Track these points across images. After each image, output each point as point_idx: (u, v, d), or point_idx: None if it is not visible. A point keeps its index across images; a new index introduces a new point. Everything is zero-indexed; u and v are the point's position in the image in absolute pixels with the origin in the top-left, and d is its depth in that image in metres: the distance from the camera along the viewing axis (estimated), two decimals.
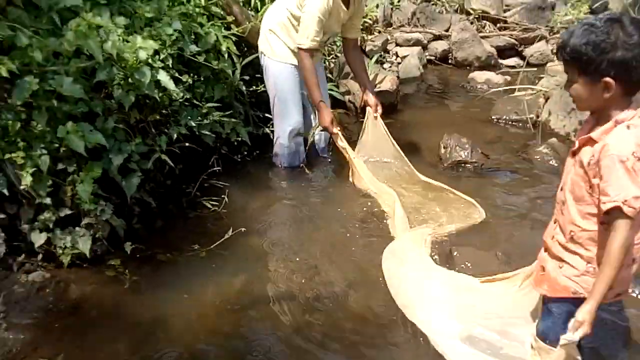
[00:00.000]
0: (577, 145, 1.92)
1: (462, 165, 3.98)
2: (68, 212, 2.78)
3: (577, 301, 1.92)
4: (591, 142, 1.85)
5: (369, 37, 6.05)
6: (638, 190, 1.71)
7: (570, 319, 1.87)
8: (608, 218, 1.80)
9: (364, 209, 3.49)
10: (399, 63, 5.97)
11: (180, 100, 3.35)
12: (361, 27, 3.96)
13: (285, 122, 3.76)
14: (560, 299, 1.98)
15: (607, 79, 1.75)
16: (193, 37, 3.46)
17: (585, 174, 1.87)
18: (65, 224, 2.78)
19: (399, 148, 3.73)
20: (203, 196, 3.48)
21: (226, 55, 3.61)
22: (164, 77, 3.08)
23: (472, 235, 3.20)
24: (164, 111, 3.32)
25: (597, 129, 1.83)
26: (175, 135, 3.28)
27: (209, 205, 3.41)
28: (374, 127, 3.79)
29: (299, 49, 3.47)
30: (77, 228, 2.79)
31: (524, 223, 3.37)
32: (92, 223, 2.83)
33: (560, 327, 1.94)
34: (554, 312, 2.00)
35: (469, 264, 2.89)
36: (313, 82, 3.51)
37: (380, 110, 3.78)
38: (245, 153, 3.99)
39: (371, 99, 3.79)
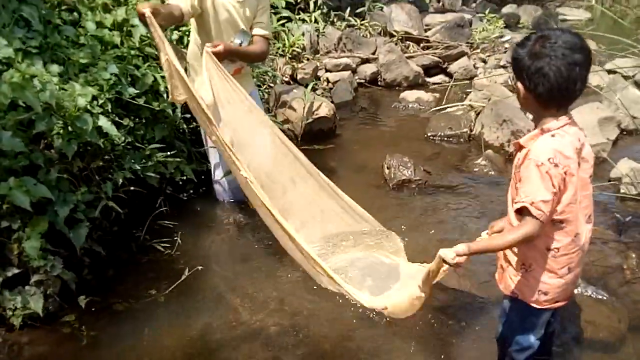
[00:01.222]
0: (515, 149, 2.06)
1: (407, 184, 4.06)
2: (15, 270, 2.66)
3: (517, 300, 2.11)
4: (520, 147, 1.99)
5: (299, 65, 6.12)
6: (547, 195, 1.84)
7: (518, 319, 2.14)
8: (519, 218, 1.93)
9: None
10: (331, 88, 6.07)
11: (122, 144, 3.28)
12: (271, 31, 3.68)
13: (217, 159, 3.68)
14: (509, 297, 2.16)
15: (519, 83, 1.95)
16: (129, 79, 3.41)
17: (515, 176, 2.01)
18: (14, 284, 2.66)
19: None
20: (153, 239, 3.40)
21: (165, 95, 3.57)
22: (105, 122, 3.02)
23: (431, 250, 3.28)
24: (106, 157, 3.24)
25: (527, 136, 1.99)
26: (120, 181, 3.20)
27: (161, 248, 3.34)
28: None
29: None
30: (26, 287, 2.68)
31: (473, 234, 3.47)
32: (42, 280, 2.73)
33: (513, 326, 2.19)
34: (505, 309, 2.20)
35: None
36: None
37: (220, 47, 3.19)
38: (191, 191, 3.94)
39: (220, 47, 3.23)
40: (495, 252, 2.12)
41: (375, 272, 3.03)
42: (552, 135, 1.90)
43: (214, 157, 3.71)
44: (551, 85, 1.86)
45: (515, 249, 2.06)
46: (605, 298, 2.80)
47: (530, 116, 2.21)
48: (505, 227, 2.15)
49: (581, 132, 1.96)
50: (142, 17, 2.96)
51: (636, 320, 2.76)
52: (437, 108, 5.23)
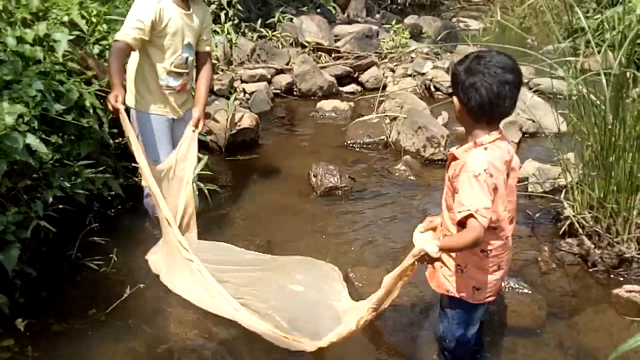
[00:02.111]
0: (448, 159, 2.24)
1: (334, 190, 4.22)
2: None
3: (453, 299, 2.29)
4: (454, 158, 2.18)
5: (215, 76, 6.14)
6: (488, 202, 2.01)
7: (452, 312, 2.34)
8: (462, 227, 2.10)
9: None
10: (248, 99, 6.13)
11: (51, 162, 3.21)
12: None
13: None
14: (444, 295, 2.34)
15: (454, 97, 2.13)
16: (54, 95, 3.34)
17: (451, 185, 2.19)
18: None
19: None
20: (85, 257, 3.33)
21: (91, 111, 3.51)
22: (33, 140, 2.94)
23: (361, 254, 3.47)
24: (34, 175, 3.15)
25: (461, 148, 2.17)
26: (50, 199, 3.13)
27: (94, 266, 3.27)
28: (188, 146, 3.47)
29: (114, 41, 3.22)
30: None
31: (400, 236, 3.69)
32: None
33: (448, 320, 2.37)
34: (448, 314, 2.37)
35: (365, 283, 3.13)
36: (113, 68, 3.16)
37: (201, 125, 3.50)
38: (119, 206, 3.88)
39: (195, 111, 3.51)
40: (454, 252, 2.22)
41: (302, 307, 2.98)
42: (485, 149, 2.08)
43: None
44: (482, 100, 2.03)
45: (450, 273, 2.26)
46: (525, 289, 3.08)
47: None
48: (443, 229, 2.33)
49: (510, 146, 2.17)
50: (115, 114, 3.12)
51: (553, 306, 3.05)
52: (363, 119, 5.38)
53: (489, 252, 2.20)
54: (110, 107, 3.13)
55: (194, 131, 3.48)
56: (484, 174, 2.02)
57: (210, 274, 2.99)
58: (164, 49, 3.33)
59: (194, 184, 3.52)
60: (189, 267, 3.05)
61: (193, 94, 3.76)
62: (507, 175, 2.15)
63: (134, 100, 3.46)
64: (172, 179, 3.43)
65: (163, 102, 3.46)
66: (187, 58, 3.43)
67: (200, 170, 3.60)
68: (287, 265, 3.28)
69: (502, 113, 2.10)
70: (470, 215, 2.00)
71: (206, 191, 3.67)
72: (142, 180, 3.46)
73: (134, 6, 3.22)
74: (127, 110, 3.37)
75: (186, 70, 3.49)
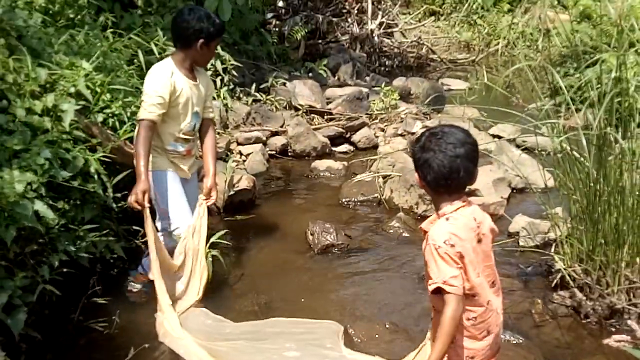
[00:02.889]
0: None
1: (330, 248, 4.32)
2: None
3: None
4: (425, 232, 2.25)
5: None
6: (454, 271, 2.07)
7: None
8: (435, 301, 2.18)
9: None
10: (244, 161, 6.29)
11: (57, 226, 3.31)
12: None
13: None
14: None
15: (415, 173, 2.23)
16: (60, 162, 3.47)
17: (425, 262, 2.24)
18: None
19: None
20: (89, 319, 3.39)
21: (96, 176, 3.64)
22: (41, 206, 3.06)
23: (360, 310, 3.55)
24: (40, 240, 3.25)
25: (427, 220, 2.28)
26: (56, 263, 3.21)
27: (99, 328, 3.33)
28: (201, 217, 3.62)
29: (138, 121, 3.40)
30: None
31: (397, 291, 3.78)
32: None
33: None
34: None
35: (365, 339, 3.20)
36: (140, 151, 3.33)
37: (214, 196, 3.67)
38: (121, 266, 3.96)
39: (207, 182, 3.67)
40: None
41: None
42: (447, 219, 2.14)
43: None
44: (436, 175, 2.13)
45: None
46: (521, 341, 3.16)
47: None
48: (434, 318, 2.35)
49: (478, 211, 2.24)
50: (140, 209, 3.30)
51: (548, 357, 3.13)
52: (357, 178, 5.52)
53: (474, 319, 2.22)
54: (134, 204, 3.28)
55: (205, 200, 3.64)
56: (443, 246, 2.07)
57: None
58: (175, 117, 3.53)
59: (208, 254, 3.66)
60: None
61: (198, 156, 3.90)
62: (480, 240, 2.21)
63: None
64: (189, 251, 3.56)
65: (172, 165, 3.63)
66: (195, 125, 3.65)
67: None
68: (283, 330, 3.28)
69: (460, 184, 2.18)
70: (439, 288, 2.07)
71: (221, 258, 3.78)
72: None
73: (150, 81, 3.42)
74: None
75: (193, 137, 3.69)
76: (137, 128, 3.46)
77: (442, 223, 2.14)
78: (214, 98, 6.60)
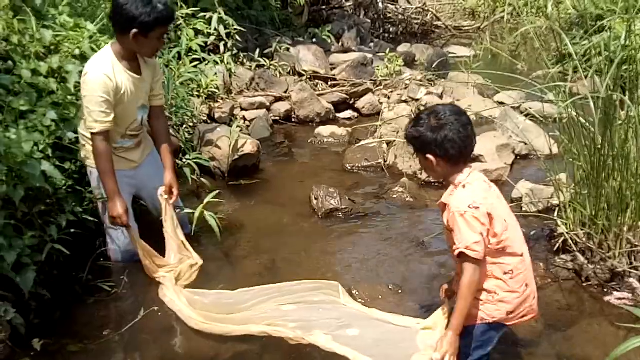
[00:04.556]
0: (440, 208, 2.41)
1: (334, 212, 4.35)
2: None
3: (484, 325, 2.38)
4: (443, 205, 2.36)
5: (215, 105, 6.31)
6: (476, 237, 2.20)
7: (482, 337, 2.38)
8: (461, 261, 2.26)
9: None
10: (248, 126, 6.29)
11: (64, 188, 3.34)
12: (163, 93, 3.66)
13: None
14: (474, 325, 2.40)
15: (428, 155, 2.33)
16: (65, 124, 3.48)
17: (448, 230, 2.35)
18: None
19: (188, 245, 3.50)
20: (97, 279, 3.44)
21: None
22: (48, 167, 3.08)
23: (363, 272, 3.59)
24: (48, 201, 3.28)
25: (445, 194, 2.37)
26: (64, 224, 3.25)
27: (107, 288, 3.38)
28: (168, 214, 3.46)
29: (91, 134, 3.15)
30: None
31: (400, 255, 3.82)
32: None
33: (476, 343, 2.41)
34: (472, 333, 2.41)
35: (368, 299, 3.25)
36: (106, 169, 3.18)
37: (175, 194, 3.48)
38: None
39: (166, 179, 3.47)
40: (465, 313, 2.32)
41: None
42: (464, 186, 2.30)
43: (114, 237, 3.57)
44: (459, 146, 2.28)
45: (479, 304, 2.35)
46: None
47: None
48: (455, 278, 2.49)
49: (482, 175, 2.41)
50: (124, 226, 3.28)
51: (549, 319, 3.16)
52: (361, 143, 5.52)
53: (511, 272, 2.33)
54: (117, 221, 3.25)
55: (167, 198, 3.44)
56: (469, 210, 2.22)
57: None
58: (120, 116, 3.26)
59: (210, 216, 3.69)
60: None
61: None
62: (498, 197, 2.37)
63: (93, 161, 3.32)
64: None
65: (119, 161, 3.37)
66: (142, 118, 3.45)
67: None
68: (281, 291, 3.28)
69: (472, 150, 2.37)
70: (463, 253, 2.20)
71: (216, 223, 3.74)
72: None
73: (90, 83, 3.10)
74: (85, 167, 3.47)
75: (141, 131, 3.53)
76: (92, 142, 3.17)
77: (461, 191, 2.29)
78: (217, 63, 6.63)
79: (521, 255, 2.35)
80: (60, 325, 3.08)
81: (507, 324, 2.42)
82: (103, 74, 3.09)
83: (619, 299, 3.22)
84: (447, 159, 2.31)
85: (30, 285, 2.94)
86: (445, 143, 2.27)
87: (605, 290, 3.38)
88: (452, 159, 2.30)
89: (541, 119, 4.25)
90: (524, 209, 4.32)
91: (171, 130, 4.51)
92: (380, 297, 3.29)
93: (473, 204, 2.23)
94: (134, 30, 3.04)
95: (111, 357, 2.90)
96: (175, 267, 3.41)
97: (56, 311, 3.17)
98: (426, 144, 2.32)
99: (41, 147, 3.16)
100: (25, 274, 2.94)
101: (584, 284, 3.44)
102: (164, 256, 3.41)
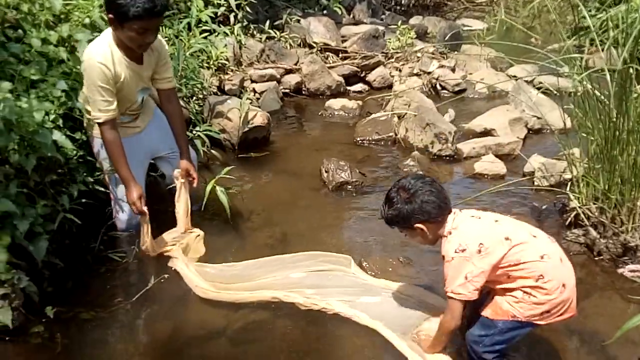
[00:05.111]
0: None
1: (345, 185, 4.34)
2: None
3: (514, 322, 2.42)
4: (442, 257, 2.47)
5: (225, 77, 6.27)
6: (460, 279, 2.35)
7: (507, 333, 2.43)
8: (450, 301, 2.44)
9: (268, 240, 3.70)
10: (258, 98, 6.26)
11: (75, 157, 3.35)
12: (174, 76, 3.53)
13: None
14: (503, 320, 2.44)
15: (416, 225, 2.47)
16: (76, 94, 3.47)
17: None
18: None
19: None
20: (108, 249, 3.46)
21: None
22: (59, 137, 3.09)
23: (374, 245, 3.59)
24: (59, 170, 3.29)
25: (441, 247, 2.48)
26: (76, 193, 3.26)
27: (117, 258, 3.40)
28: (181, 197, 3.50)
29: (98, 124, 3.13)
30: None
31: None
32: (8, 293, 2.75)
33: (498, 337, 2.46)
34: (499, 326, 2.45)
35: (378, 271, 3.26)
36: (118, 156, 3.17)
37: (194, 177, 3.48)
38: None
39: (182, 162, 3.46)
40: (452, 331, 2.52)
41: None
42: (450, 233, 2.44)
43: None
44: (437, 203, 2.43)
45: (516, 304, 2.40)
46: None
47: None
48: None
49: (468, 211, 2.56)
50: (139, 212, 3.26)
51: None
52: (373, 116, 5.47)
53: (541, 277, 2.35)
54: (134, 209, 3.26)
55: (182, 182, 3.44)
56: (455, 256, 2.37)
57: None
58: (119, 100, 3.18)
59: (220, 191, 3.69)
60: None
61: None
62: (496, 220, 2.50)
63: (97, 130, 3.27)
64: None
65: (122, 130, 3.31)
66: (143, 98, 3.40)
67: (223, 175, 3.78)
68: (291, 262, 3.35)
69: (449, 201, 2.51)
70: (450, 297, 2.40)
71: (226, 198, 3.73)
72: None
73: (88, 77, 3.04)
74: (90, 137, 3.44)
75: (140, 110, 3.49)
76: (101, 132, 3.15)
77: (448, 240, 2.44)
78: (226, 34, 6.57)
79: (541, 258, 2.36)
80: (72, 294, 3.11)
81: (541, 323, 2.43)
82: (101, 64, 2.99)
83: (632, 271, 3.21)
84: (432, 220, 2.45)
85: (42, 254, 2.96)
86: (424, 207, 2.42)
87: (618, 264, 3.36)
88: (436, 217, 2.44)
89: (555, 92, 4.19)
90: (536, 183, 4.29)
91: (181, 102, 4.50)
92: (390, 269, 3.29)
93: (459, 247, 2.36)
94: (110, 15, 2.91)
95: (123, 324, 2.93)
96: (181, 239, 3.46)
97: (68, 280, 3.19)
98: (408, 216, 2.46)
99: (52, 116, 3.17)
100: (37, 242, 2.96)
101: (596, 259, 3.43)
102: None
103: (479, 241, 2.35)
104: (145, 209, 3.26)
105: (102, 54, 3.01)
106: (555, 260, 2.39)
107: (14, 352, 2.68)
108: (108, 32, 3.08)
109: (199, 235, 3.52)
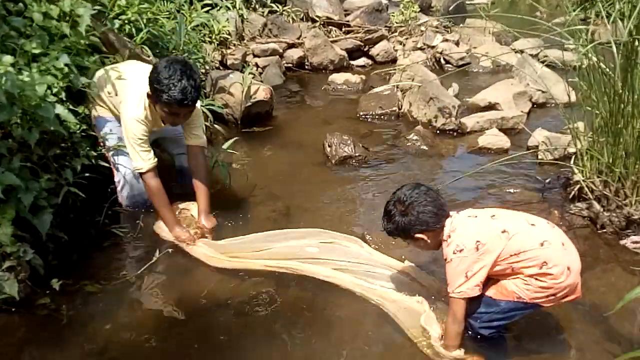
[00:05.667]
0: None
1: (348, 160, 4.33)
2: None
3: (519, 303, 2.44)
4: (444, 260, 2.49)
5: (228, 51, 6.24)
6: (461, 279, 2.38)
7: (508, 313, 2.47)
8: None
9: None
10: (261, 73, 6.23)
11: (79, 132, 3.34)
12: (204, 133, 3.55)
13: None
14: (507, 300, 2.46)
15: (417, 235, 2.51)
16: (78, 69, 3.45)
17: None
18: None
19: None
20: (112, 224, 3.47)
21: None
22: (62, 110, 3.08)
23: (377, 220, 3.57)
24: (62, 144, 3.28)
25: (442, 251, 2.52)
26: (79, 167, 3.26)
27: (121, 233, 3.42)
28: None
29: (140, 174, 3.28)
30: None
31: None
32: (14, 266, 2.77)
33: (498, 315, 2.49)
34: (501, 306, 2.47)
35: (382, 245, 3.27)
36: (161, 204, 3.31)
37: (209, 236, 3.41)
38: None
39: (200, 221, 3.44)
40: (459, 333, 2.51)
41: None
42: (449, 237, 2.46)
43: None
44: (434, 212, 2.46)
45: (524, 285, 2.41)
46: None
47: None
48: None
49: (465, 211, 2.58)
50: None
51: None
52: (376, 90, 5.46)
53: (545, 264, 2.36)
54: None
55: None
56: (454, 257, 2.41)
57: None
58: None
59: (222, 165, 3.69)
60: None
61: None
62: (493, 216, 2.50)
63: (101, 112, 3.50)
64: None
65: None
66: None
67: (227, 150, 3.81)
68: (302, 236, 3.34)
69: (444, 206, 2.52)
70: (452, 297, 2.44)
71: (227, 173, 3.75)
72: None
73: (129, 130, 3.20)
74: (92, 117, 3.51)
75: None
76: (144, 181, 3.30)
77: (448, 243, 2.46)
78: (228, 8, 6.52)
79: (542, 245, 2.37)
80: (77, 267, 3.12)
81: (545, 305, 2.45)
82: (140, 120, 3.19)
83: (635, 242, 3.21)
84: (431, 229, 2.48)
85: (46, 227, 2.97)
86: (421, 217, 2.45)
87: (621, 237, 3.36)
88: (434, 225, 2.47)
89: (561, 65, 4.16)
90: (540, 157, 4.28)
91: None
92: (393, 242, 3.28)
93: (457, 248, 2.40)
94: (148, 90, 3.10)
95: (128, 297, 2.95)
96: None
97: (73, 253, 3.21)
98: (407, 228, 2.49)
99: (54, 90, 3.15)
100: (42, 216, 2.97)
101: (599, 232, 3.43)
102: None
103: (476, 239, 2.39)
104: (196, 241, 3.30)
105: (140, 110, 3.21)
106: (556, 245, 2.40)
107: (21, 323, 2.70)
108: (144, 95, 3.18)
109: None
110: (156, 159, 3.30)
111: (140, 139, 3.21)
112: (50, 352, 2.56)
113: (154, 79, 3.02)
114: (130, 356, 2.57)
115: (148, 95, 3.14)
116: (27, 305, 2.77)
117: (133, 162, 3.28)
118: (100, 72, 3.48)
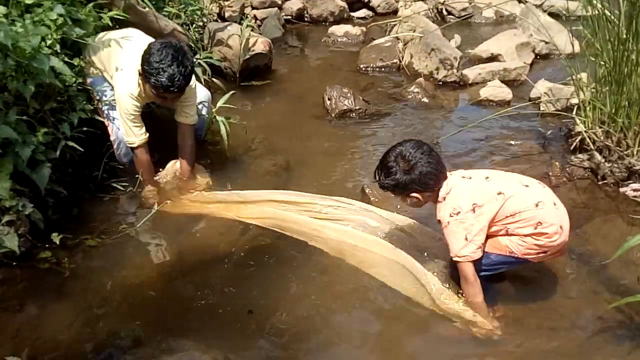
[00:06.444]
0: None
1: (348, 113, 4.29)
2: None
3: (510, 257, 2.48)
4: (439, 221, 2.50)
5: (225, 3, 6.11)
6: (461, 242, 2.39)
7: (497, 265, 2.51)
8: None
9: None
10: (259, 25, 6.12)
11: (75, 85, 3.30)
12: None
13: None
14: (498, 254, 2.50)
15: (413, 194, 2.50)
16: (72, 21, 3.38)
17: None
18: None
19: None
20: (111, 178, 3.46)
21: None
22: (57, 62, 3.03)
23: None
24: (59, 98, 3.25)
25: (436, 212, 2.52)
26: (76, 121, 3.23)
27: (120, 187, 3.41)
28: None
29: (131, 148, 3.34)
30: None
31: None
32: (13, 220, 2.77)
33: (486, 267, 2.51)
34: (491, 258, 2.51)
35: (381, 198, 3.27)
36: (148, 178, 3.40)
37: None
38: None
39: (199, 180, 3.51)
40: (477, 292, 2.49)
41: None
42: (444, 199, 2.47)
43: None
44: (435, 174, 2.45)
45: (519, 242, 2.44)
46: None
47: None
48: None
49: (460, 172, 2.59)
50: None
51: None
52: (376, 42, 5.37)
53: (540, 224, 2.39)
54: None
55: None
56: (451, 220, 2.41)
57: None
58: None
59: (221, 121, 3.67)
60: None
61: None
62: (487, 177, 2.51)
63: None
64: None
65: None
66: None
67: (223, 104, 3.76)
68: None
69: (445, 168, 2.52)
70: (457, 262, 2.44)
71: (225, 129, 3.69)
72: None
73: (121, 106, 3.22)
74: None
75: None
76: (134, 155, 3.36)
77: (443, 204, 2.47)
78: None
79: (537, 206, 2.39)
80: (77, 221, 3.12)
81: (534, 261, 2.50)
82: (133, 96, 3.20)
83: (635, 189, 3.21)
84: (431, 191, 2.48)
85: (45, 182, 2.96)
86: (423, 178, 2.43)
87: (621, 189, 3.35)
88: (434, 186, 2.47)
89: (565, 14, 4.08)
90: (542, 108, 4.23)
91: (180, 29, 4.41)
92: (392, 196, 3.26)
93: (453, 211, 2.41)
94: (139, 69, 3.10)
95: (129, 250, 2.96)
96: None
97: (73, 208, 3.21)
98: (406, 186, 2.47)
99: (49, 42, 3.09)
100: (40, 170, 2.96)
101: (600, 183, 3.42)
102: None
103: (472, 201, 2.40)
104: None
105: (132, 86, 3.20)
106: (549, 205, 2.43)
107: (22, 276, 2.72)
108: (138, 65, 3.11)
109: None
110: (147, 134, 3.33)
111: (132, 114, 3.24)
112: (51, 305, 2.59)
113: (145, 60, 3.04)
114: (131, 308, 2.60)
115: (139, 73, 3.15)
116: (28, 259, 2.80)
117: (125, 137, 3.32)
118: (100, 35, 3.47)
